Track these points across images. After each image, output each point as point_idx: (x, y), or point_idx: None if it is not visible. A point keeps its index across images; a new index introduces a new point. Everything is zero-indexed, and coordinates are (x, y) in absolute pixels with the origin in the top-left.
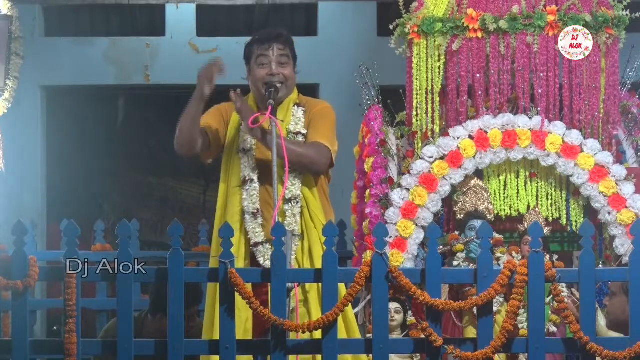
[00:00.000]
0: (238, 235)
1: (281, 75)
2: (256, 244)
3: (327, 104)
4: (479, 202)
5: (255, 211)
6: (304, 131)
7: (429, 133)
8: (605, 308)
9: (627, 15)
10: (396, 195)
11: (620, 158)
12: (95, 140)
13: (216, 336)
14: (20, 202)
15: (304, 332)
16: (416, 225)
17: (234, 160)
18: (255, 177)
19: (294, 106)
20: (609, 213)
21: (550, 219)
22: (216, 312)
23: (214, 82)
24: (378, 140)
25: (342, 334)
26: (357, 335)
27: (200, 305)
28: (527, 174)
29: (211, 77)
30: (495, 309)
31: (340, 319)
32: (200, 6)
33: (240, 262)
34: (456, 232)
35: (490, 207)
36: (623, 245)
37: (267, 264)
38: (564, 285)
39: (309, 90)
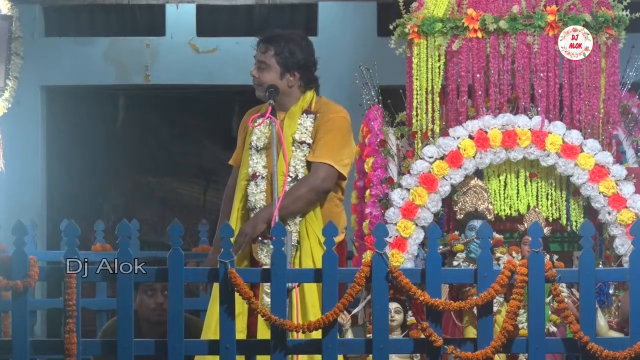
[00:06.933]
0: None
1: (255, 78)
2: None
3: (341, 114)
4: (479, 202)
5: (262, 207)
6: (309, 140)
7: (429, 133)
8: (618, 301)
9: (627, 15)
10: (396, 195)
11: (620, 158)
12: (95, 140)
13: (213, 336)
14: (20, 202)
15: (304, 332)
16: (416, 225)
17: (245, 156)
18: (264, 174)
19: (302, 114)
20: (609, 213)
21: (550, 219)
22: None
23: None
24: (378, 140)
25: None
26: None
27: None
28: (527, 174)
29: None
30: (495, 309)
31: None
32: (200, 6)
33: (240, 260)
34: (456, 232)
35: (490, 207)
36: (623, 245)
37: (268, 261)
38: (564, 285)
39: None
